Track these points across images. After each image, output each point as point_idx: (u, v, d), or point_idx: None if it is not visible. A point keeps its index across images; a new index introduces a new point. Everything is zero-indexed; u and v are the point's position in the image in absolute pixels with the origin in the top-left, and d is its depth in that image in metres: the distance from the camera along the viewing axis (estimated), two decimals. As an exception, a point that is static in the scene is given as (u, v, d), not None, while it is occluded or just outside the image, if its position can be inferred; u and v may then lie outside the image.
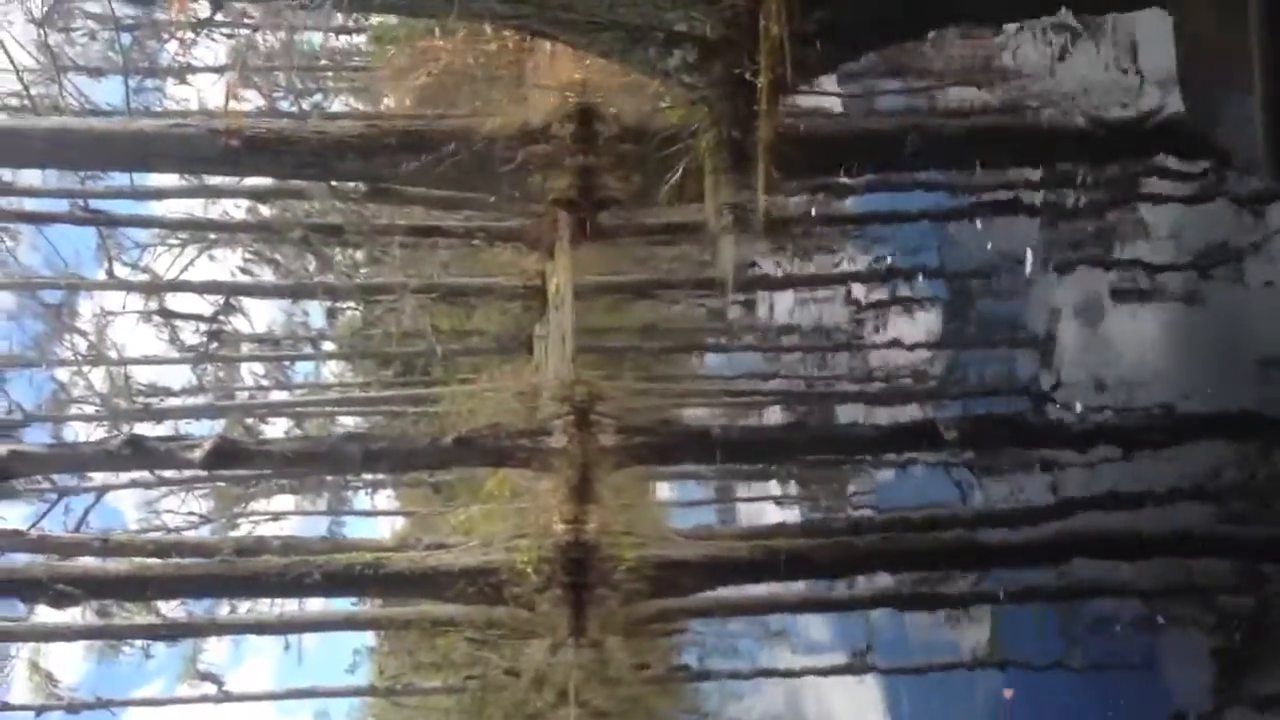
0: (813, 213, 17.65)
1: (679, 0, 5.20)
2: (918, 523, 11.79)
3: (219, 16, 16.14)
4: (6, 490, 11.38)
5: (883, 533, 11.07)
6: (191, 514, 21.96)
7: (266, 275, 19.14)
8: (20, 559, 10.63)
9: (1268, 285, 9.99)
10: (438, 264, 17.19)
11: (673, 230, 15.43)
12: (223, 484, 21.75)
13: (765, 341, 25.72)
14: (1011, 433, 10.07)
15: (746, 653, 24.57)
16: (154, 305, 18.78)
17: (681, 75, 5.40)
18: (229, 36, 17.86)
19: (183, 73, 18.23)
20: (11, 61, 11.65)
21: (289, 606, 12.74)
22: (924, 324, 19.72)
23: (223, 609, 14.83)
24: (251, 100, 15.62)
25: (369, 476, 23.24)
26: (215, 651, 18.51)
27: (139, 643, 15.10)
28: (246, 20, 17.01)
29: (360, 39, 19.82)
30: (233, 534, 20.69)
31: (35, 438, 17.76)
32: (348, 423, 23.88)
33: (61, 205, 14.76)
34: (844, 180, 14.72)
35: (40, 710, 14.61)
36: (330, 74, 20.82)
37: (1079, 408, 13.26)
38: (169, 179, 15.29)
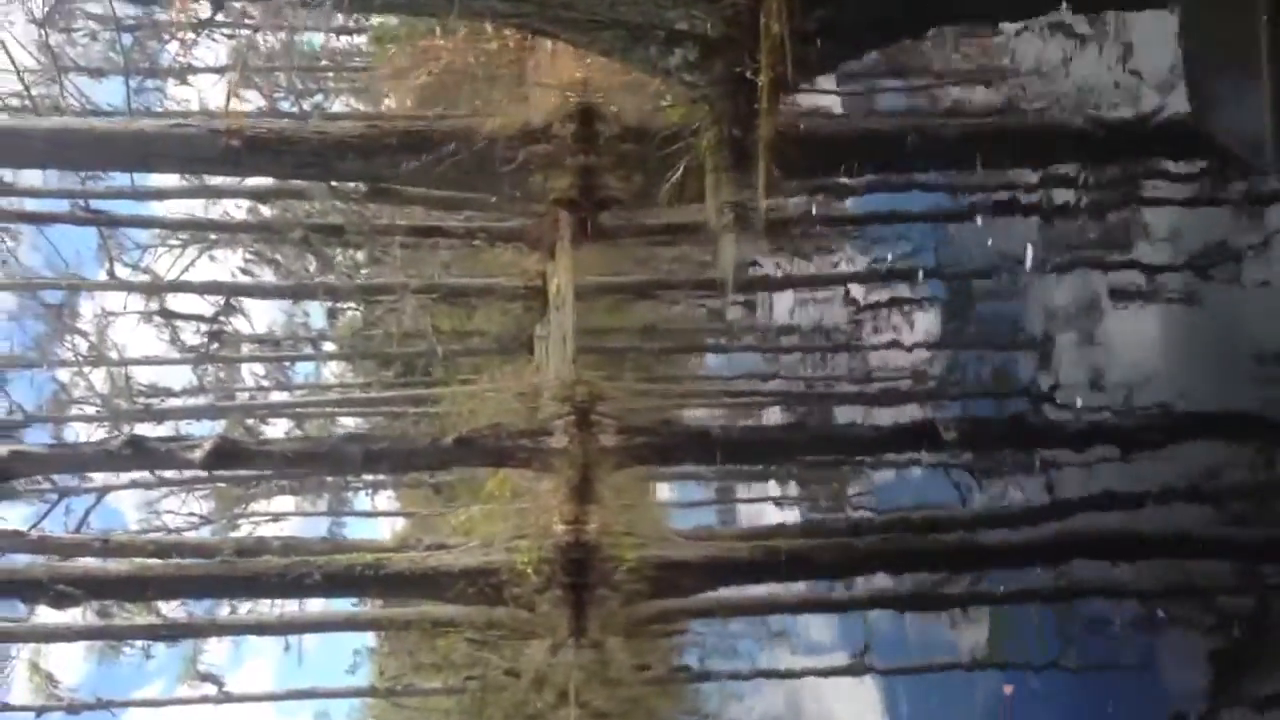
0: (812, 213, 17.65)
1: (680, -2, 5.21)
2: (917, 524, 11.79)
3: (220, 17, 16.18)
4: (7, 491, 11.38)
5: (882, 534, 11.07)
6: (192, 515, 21.98)
7: (267, 276, 19.15)
8: (21, 560, 10.64)
9: (1263, 285, 9.99)
10: (438, 264, 17.21)
11: (673, 231, 15.43)
12: (223, 485, 21.77)
13: (765, 342, 25.73)
14: (1010, 433, 10.08)
15: (746, 654, 24.57)
16: (155, 306, 18.78)
17: (682, 74, 5.40)
18: (230, 37, 17.88)
19: (183, 73, 18.24)
20: (12, 62, 11.65)
21: (289, 607, 12.75)
22: (923, 325, 19.72)
23: (223, 610, 14.84)
24: (252, 101, 15.62)
25: (369, 477, 23.25)
26: (215, 652, 18.54)
27: (139, 643, 15.10)
28: (247, 21, 17.03)
29: (361, 40, 19.84)
30: (233, 535, 20.69)
31: (36, 438, 17.77)
32: (348, 423, 23.91)
33: (62, 206, 14.77)
34: (844, 181, 14.73)
35: (41, 711, 14.61)
36: (331, 75, 20.83)
37: (1077, 408, 13.27)
38: (170, 179, 15.30)
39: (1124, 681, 12.82)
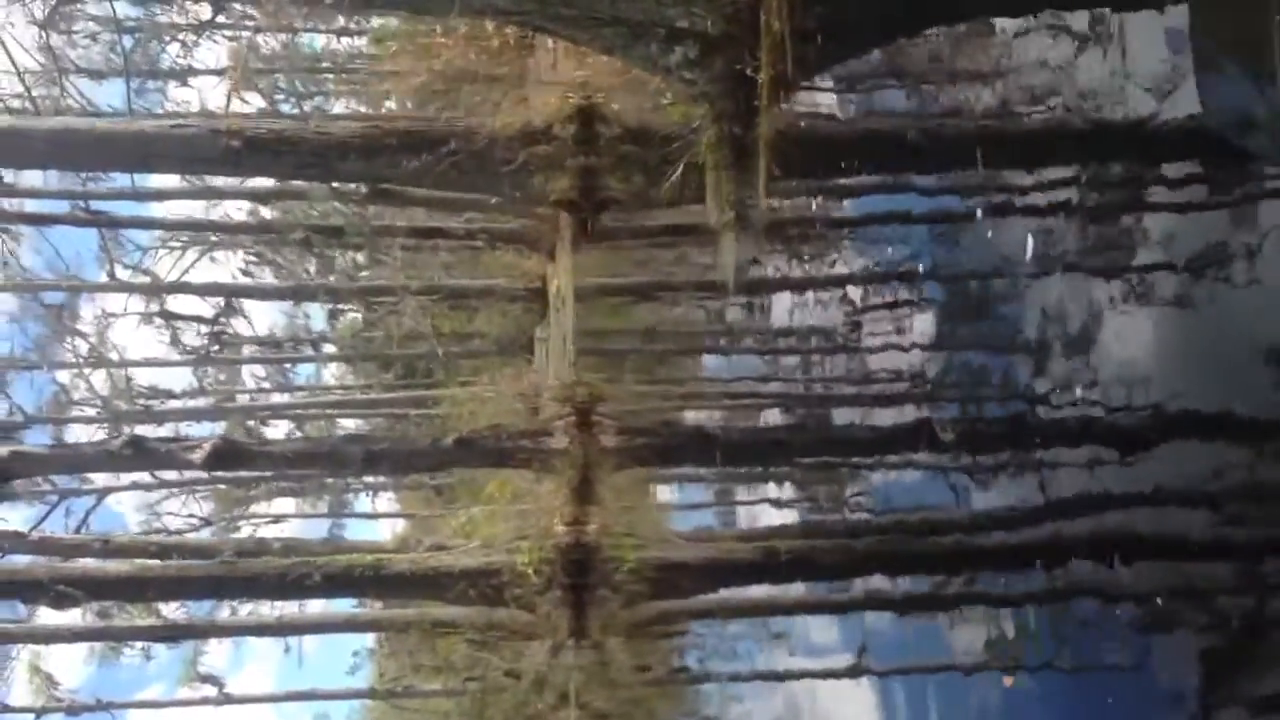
0: (811, 215, 17.66)
1: (680, -4, 5.22)
2: (915, 525, 11.80)
3: (220, 19, 16.21)
4: (7, 492, 11.38)
5: (880, 535, 11.07)
6: (192, 517, 21.98)
7: (267, 277, 19.15)
8: (21, 560, 10.63)
9: (1254, 283, 10.01)
10: (439, 266, 17.22)
11: (674, 232, 15.46)
12: (224, 486, 21.78)
13: (764, 344, 25.74)
14: (1008, 434, 10.09)
15: (746, 655, 24.55)
16: (155, 307, 18.81)
17: (682, 71, 5.41)
18: (230, 39, 17.90)
19: (184, 75, 18.26)
20: (13, 63, 11.67)
21: (289, 609, 12.75)
22: (921, 326, 19.72)
23: (223, 611, 14.83)
24: (253, 103, 15.63)
25: (370, 479, 23.25)
26: (216, 654, 18.53)
27: (139, 645, 15.08)
28: (248, 22, 17.05)
29: (361, 41, 19.87)
30: (233, 536, 20.70)
31: (36, 440, 17.76)
32: (349, 425, 23.94)
33: (63, 207, 14.78)
34: (842, 182, 14.75)
35: (41, 712, 14.61)
36: (331, 76, 20.85)
37: (1075, 408, 13.27)
38: (170, 180, 15.33)
39: (1119, 681, 12.82)
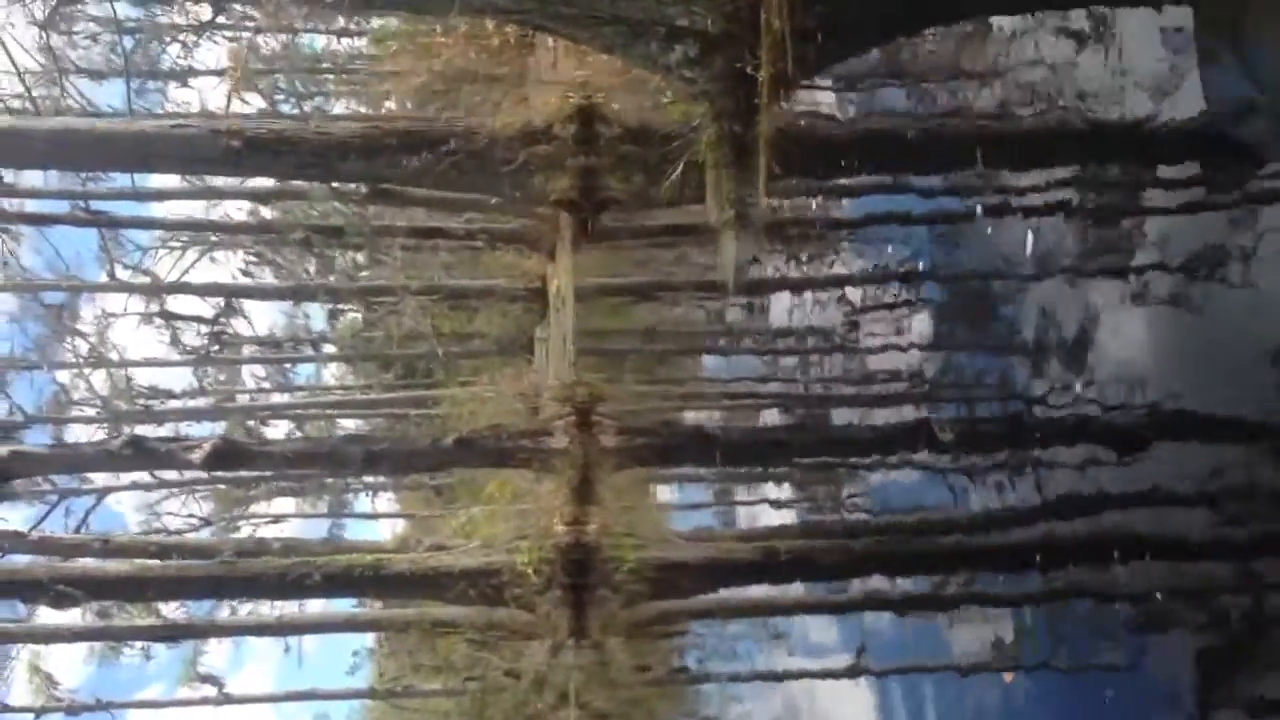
0: (810, 215, 17.66)
1: (680, -5, 5.22)
2: (913, 526, 11.80)
3: (220, 19, 16.21)
4: (7, 492, 11.39)
5: (879, 535, 11.07)
6: (192, 517, 21.98)
7: (268, 277, 19.15)
8: (21, 560, 10.63)
9: (1250, 286, 10.03)
10: (439, 266, 17.23)
11: (673, 233, 15.46)
12: (223, 487, 21.78)
13: (763, 344, 25.75)
14: (1006, 433, 10.10)
15: (746, 655, 24.57)
16: (155, 307, 18.81)
17: (683, 70, 5.42)
18: (230, 39, 17.90)
19: (184, 76, 18.27)
20: (13, 63, 11.68)
21: (289, 608, 12.75)
22: (919, 327, 19.73)
23: (223, 611, 14.83)
24: (253, 103, 15.63)
25: (370, 479, 23.26)
26: (215, 654, 18.53)
27: (139, 645, 15.08)
28: (248, 23, 17.06)
29: (361, 42, 19.88)
30: (233, 536, 20.70)
31: (36, 440, 17.76)
32: (349, 425, 23.94)
33: (63, 207, 14.78)
34: (841, 182, 14.75)
35: (40, 712, 14.61)
36: (331, 77, 20.86)
37: (1072, 408, 13.28)
38: (170, 180, 15.33)
39: (1115, 681, 12.83)
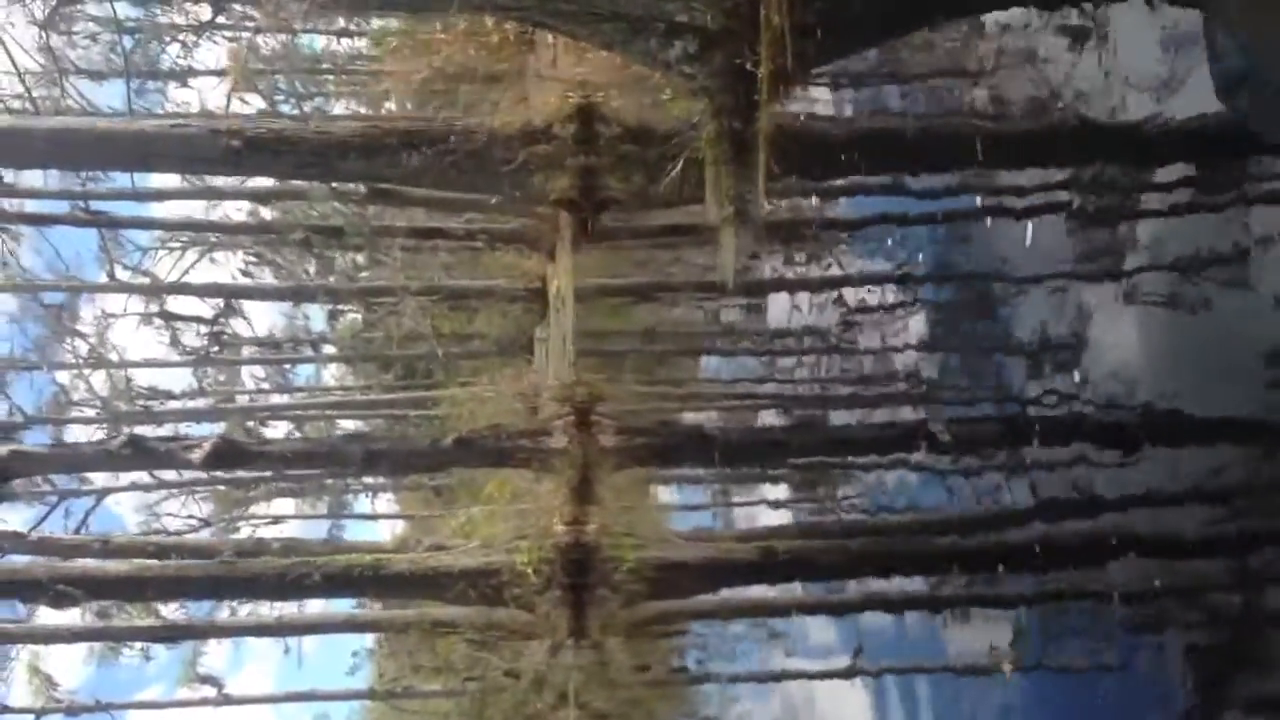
0: (808, 216, 17.66)
1: (680, -9, 5.23)
2: (910, 526, 11.81)
3: (220, 19, 16.21)
4: (7, 492, 11.39)
5: (877, 536, 11.07)
6: (191, 518, 21.98)
7: (267, 278, 19.15)
8: (21, 560, 10.63)
9: (1244, 287, 10.06)
10: (439, 267, 17.22)
11: (673, 233, 15.47)
12: (223, 487, 21.78)
13: (761, 345, 25.77)
14: (1004, 434, 10.10)
15: (745, 655, 24.59)
16: (155, 308, 18.80)
17: (682, 66, 5.43)
18: (230, 39, 17.90)
19: (184, 76, 18.27)
20: (13, 63, 11.68)
21: (289, 609, 12.75)
22: (917, 328, 19.75)
23: (222, 612, 14.83)
24: (253, 103, 15.63)
25: (369, 479, 23.25)
26: (215, 655, 18.53)
27: (138, 645, 15.08)
28: (248, 24, 17.05)
29: (361, 42, 19.88)
30: (233, 537, 20.69)
31: (36, 440, 17.75)
32: (348, 426, 23.93)
33: (63, 207, 14.77)
34: (839, 183, 14.76)
35: (40, 713, 14.62)
36: (331, 77, 20.87)
37: (1068, 408, 13.30)
38: (170, 181, 15.33)
39: (1109, 680, 12.84)
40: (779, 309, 23.97)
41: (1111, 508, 11.19)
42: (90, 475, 16.56)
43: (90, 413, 19.94)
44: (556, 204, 7.60)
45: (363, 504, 27.42)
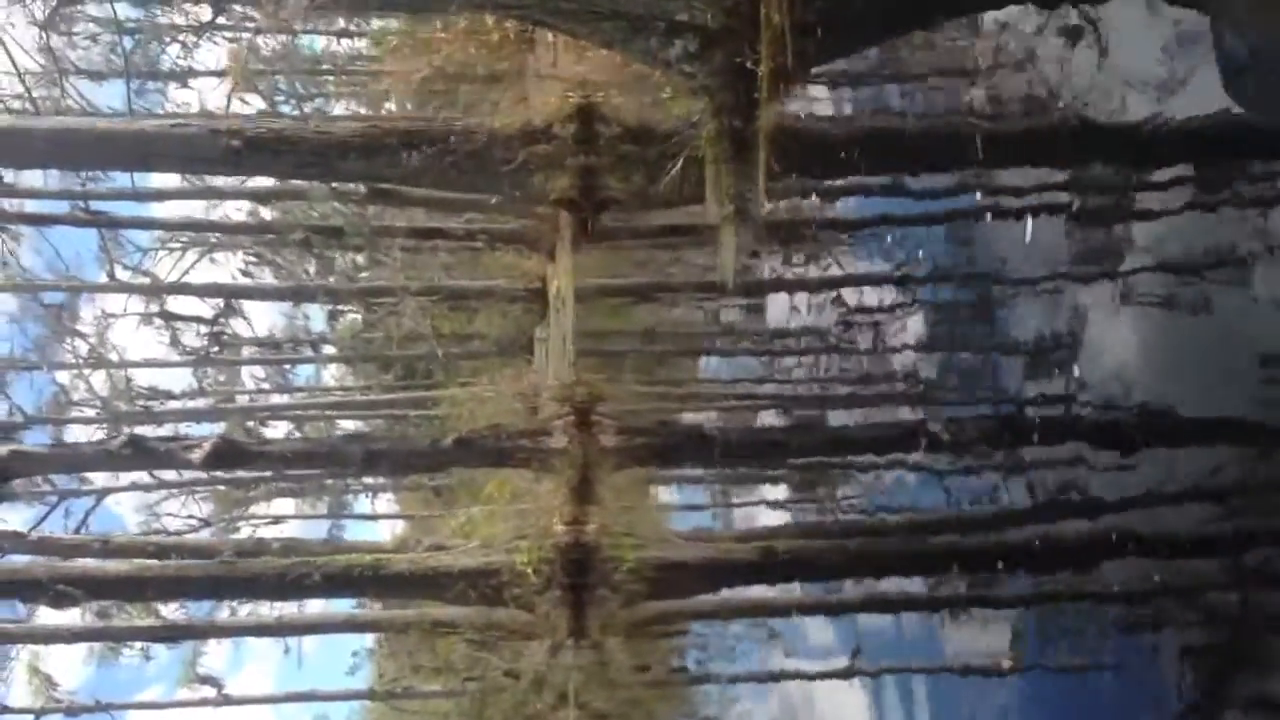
0: (808, 216, 17.67)
1: (680, -10, 5.23)
2: (909, 526, 11.80)
3: (220, 20, 16.22)
4: (7, 492, 11.39)
5: (876, 536, 11.06)
6: (191, 517, 21.98)
7: (267, 278, 19.15)
8: (21, 560, 10.63)
9: (1243, 289, 10.07)
10: (439, 267, 17.23)
11: (673, 233, 15.47)
12: (223, 487, 21.78)
13: (761, 345, 25.78)
14: (1004, 434, 10.09)
15: (745, 656, 24.60)
16: (155, 308, 18.81)
17: (682, 65, 5.43)
18: (230, 40, 17.91)
19: (184, 76, 18.28)
20: (13, 63, 11.68)
21: (289, 609, 12.75)
22: (916, 328, 19.77)
23: (222, 612, 14.83)
24: (253, 103, 15.64)
25: (369, 479, 23.25)
26: (215, 655, 18.52)
27: (138, 645, 15.07)
28: (248, 24, 17.06)
29: (361, 43, 19.89)
30: (233, 537, 20.69)
31: (36, 440, 17.75)
32: (348, 426, 23.93)
33: (63, 207, 14.78)
34: (838, 183, 14.76)
35: (40, 713, 14.61)
36: (331, 77, 20.88)
37: (1070, 409, 13.32)
38: (170, 181, 15.34)
39: (1106, 680, 12.86)
40: (779, 309, 23.99)
41: (1109, 508, 11.20)
42: (90, 475, 16.57)
43: (90, 413, 19.95)
44: (556, 204, 7.59)
45: (363, 504, 27.45)
